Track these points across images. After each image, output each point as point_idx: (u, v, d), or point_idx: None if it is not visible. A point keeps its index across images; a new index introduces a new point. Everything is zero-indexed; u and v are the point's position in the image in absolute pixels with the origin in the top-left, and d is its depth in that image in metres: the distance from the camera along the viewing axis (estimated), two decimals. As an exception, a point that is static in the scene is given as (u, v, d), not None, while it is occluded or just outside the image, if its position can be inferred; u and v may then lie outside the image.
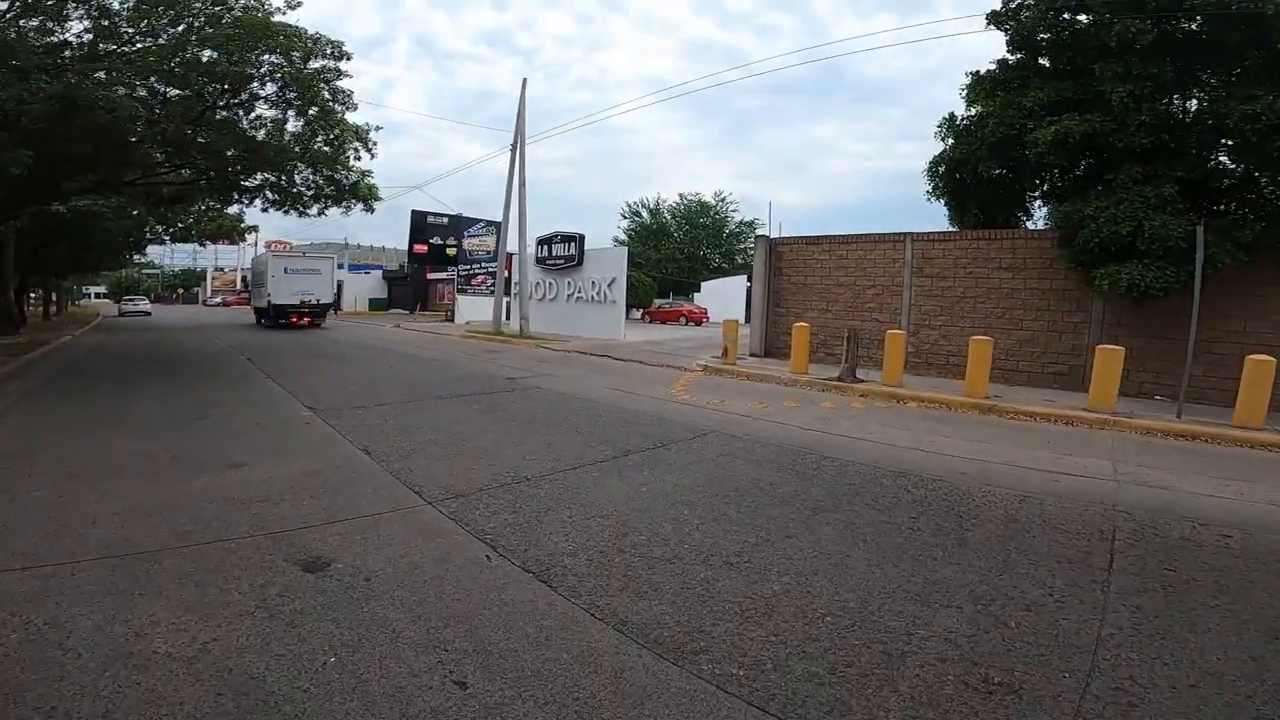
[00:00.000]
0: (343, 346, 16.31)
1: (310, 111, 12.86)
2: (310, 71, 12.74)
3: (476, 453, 5.61)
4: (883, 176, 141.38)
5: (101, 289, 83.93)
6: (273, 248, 65.48)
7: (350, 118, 14.54)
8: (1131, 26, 10.12)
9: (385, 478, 4.87)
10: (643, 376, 11.18)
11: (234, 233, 28.34)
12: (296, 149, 13.86)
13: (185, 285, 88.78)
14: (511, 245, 21.49)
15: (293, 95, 12.42)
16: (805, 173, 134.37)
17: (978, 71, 13.92)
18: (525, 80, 21.82)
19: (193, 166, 13.98)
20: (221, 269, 78.00)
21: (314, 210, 18.49)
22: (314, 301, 23.70)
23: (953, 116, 14.03)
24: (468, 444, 5.93)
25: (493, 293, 21.58)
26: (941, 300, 12.95)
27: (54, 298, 44.16)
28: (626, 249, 20.39)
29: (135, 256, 46.10)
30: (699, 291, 43.29)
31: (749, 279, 45.86)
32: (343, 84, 13.80)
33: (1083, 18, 11.73)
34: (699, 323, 32.73)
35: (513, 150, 20.86)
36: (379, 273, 47.72)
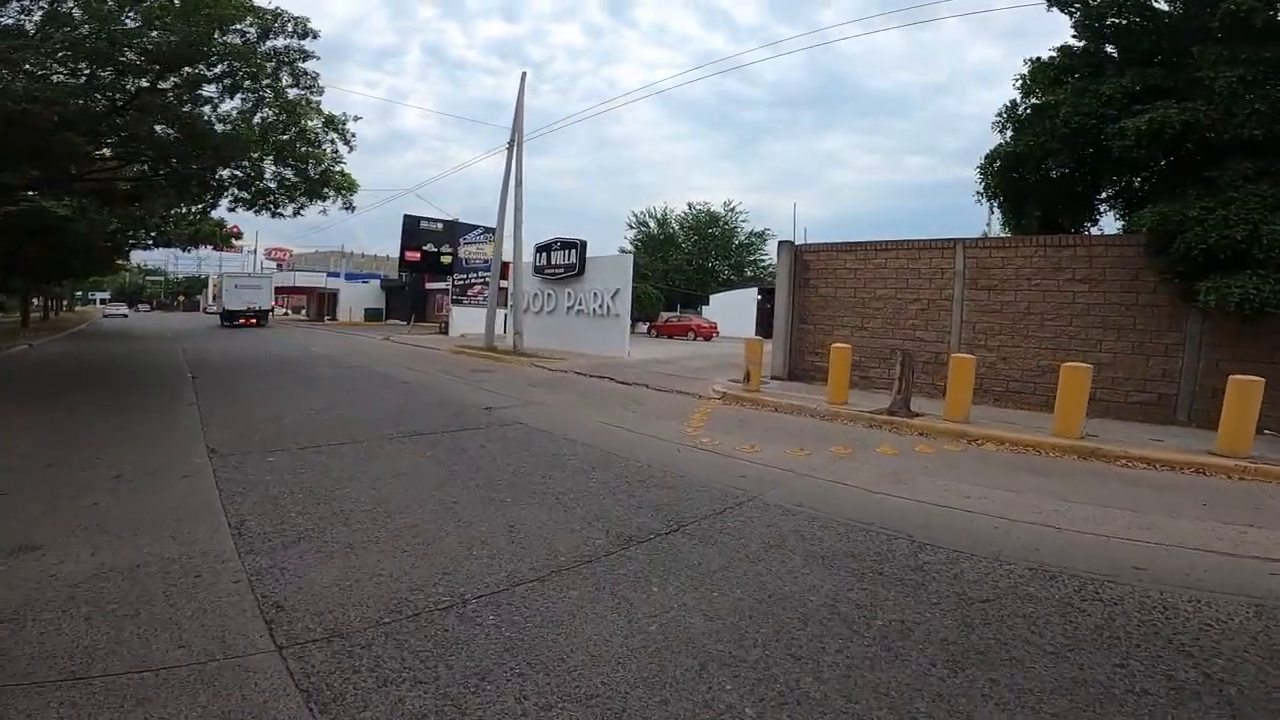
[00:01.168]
0: (312, 364, 14.52)
1: (264, 94, 11.14)
2: (266, 50, 11.07)
3: (400, 539, 3.74)
4: (892, 190, 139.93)
5: (106, 295, 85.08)
6: (273, 255, 64.61)
7: (333, 109, 12.89)
8: (1243, 5, 8.44)
9: (231, 585, 3.03)
10: (650, 407, 9.31)
11: (217, 238, 26.70)
12: (254, 137, 12.17)
13: (188, 293, 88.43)
14: (508, 253, 19.75)
15: (242, 76, 10.71)
16: (813, 185, 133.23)
17: (1038, 58, 12.23)
18: (524, 74, 20.23)
19: (136, 159, 12.29)
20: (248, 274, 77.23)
21: (288, 210, 16.85)
22: (256, 308, 32.78)
23: (1014, 105, 12.30)
24: (394, 520, 4.05)
25: (500, 305, 19.86)
26: (1000, 316, 11.05)
27: (46, 303, 42.98)
28: (631, 257, 18.60)
29: (131, 261, 45.01)
30: (707, 304, 41.51)
31: (759, 292, 44.22)
32: (309, 66, 12.16)
33: (1162, 3, 10.18)
34: (708, 338, 30.88)
35: (510, 147, 19.19)
36: (378, 282, 46.16)
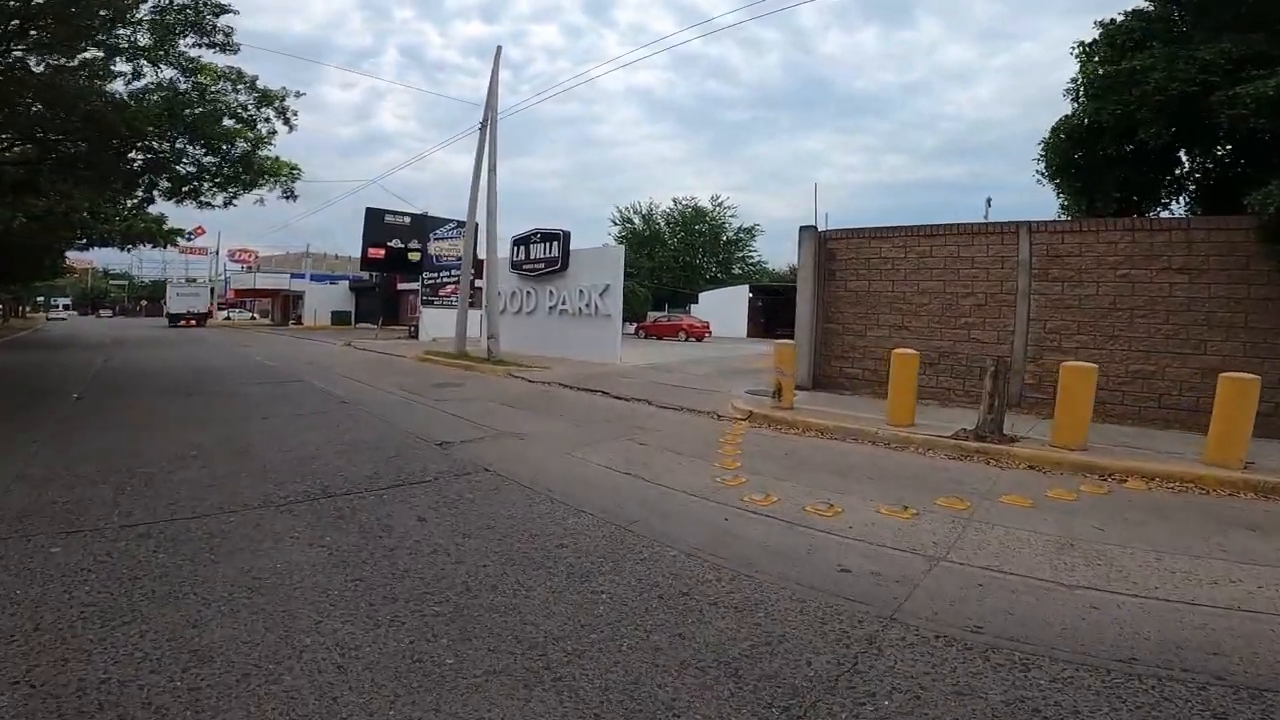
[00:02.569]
0: (243, 379, 12.11)
1: (159, 54, 8.79)
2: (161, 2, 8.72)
3: None
4: (870, 189, 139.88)
5: (68, 300, 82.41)
6: (237, 256, 61.37)
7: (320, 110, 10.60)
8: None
9: None
10: (663, 436, 7.16)
11: (157, 235, 23.90)
12: (156, 110, 9.78)
13: (151, 297, 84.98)
14: (488, 250, 17.43)
15: (126, 31, 8.34)
16: (794, 185, 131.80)
17: (1111, 20, 10.45)
18: (499, 48, 18.03)
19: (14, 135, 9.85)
20: (193, 279, 74.17)
21: (218, 200, 14.41)
22: (196, 311, 40.27)
23: (1090, 68, 10.51)
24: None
25: (473, 305, 17.51)
26: (1078, 313, 9.12)
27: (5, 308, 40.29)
28: (622, 249, 16.41)
29: (67, 261, 41.91)
30: (696, 303, 39.50)
31: (751, 289, 42.37)
32: (224, 21, 9.80)
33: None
34: (701, 338, 28.82)
35: (482, 129, 16.90)
36: (347, 283, 43.29)
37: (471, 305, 17.89)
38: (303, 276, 43.94)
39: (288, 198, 13.91)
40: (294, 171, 13.91)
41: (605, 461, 5.70)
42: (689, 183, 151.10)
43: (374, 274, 37.18)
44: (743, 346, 24.59)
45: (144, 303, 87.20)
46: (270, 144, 12.78)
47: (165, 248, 27.19)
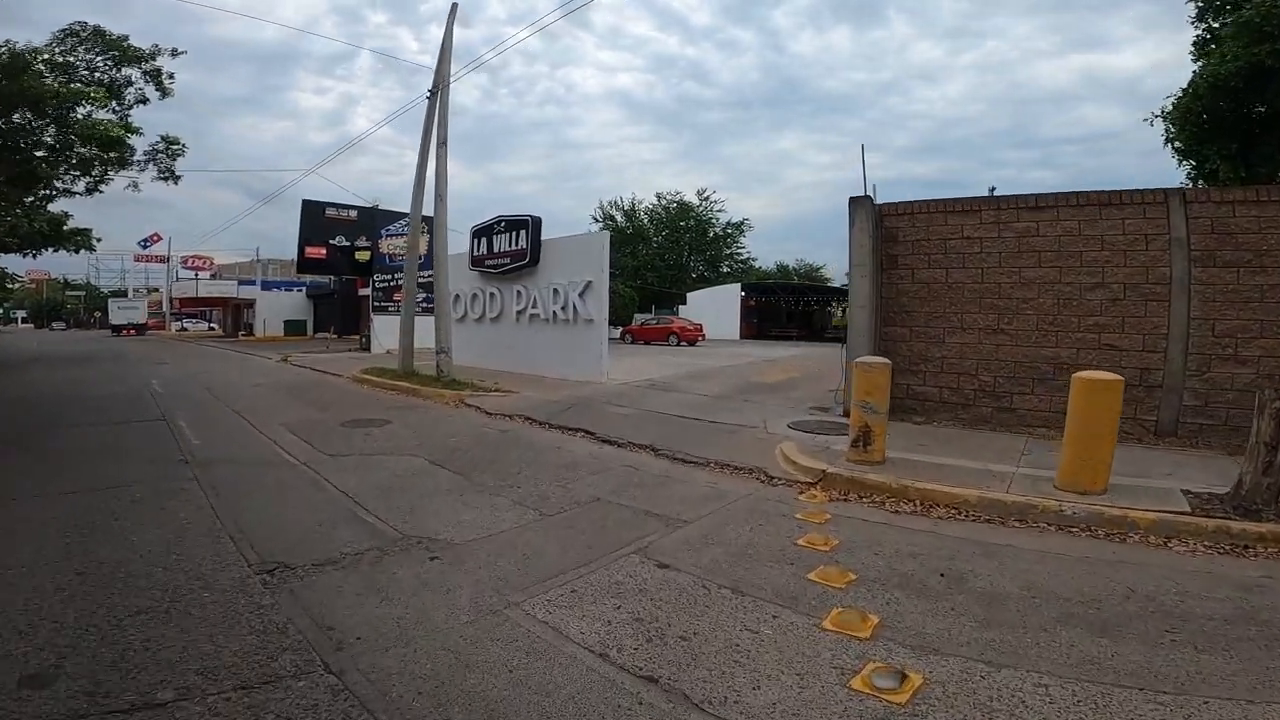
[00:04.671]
0: (97, 412, 8.89)
1: None
2: None
3: None
4: (845, 187, 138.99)
5: (24, 313, 79.84)
6: (189, 263, 57.30)
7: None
8: None
9: None
10: (690, 532, 4.18)
11: (61, 239, 20.27)
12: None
13: (106, 309, 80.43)
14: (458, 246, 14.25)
15: None
16: (771, 184, 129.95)
17: None
18: (455, 5, 14.95)
19: None
20: (155, 289, 69.84)
21: (80, 186, 11.16)
22: (135, 322, 44.51)
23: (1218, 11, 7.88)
24: None
25: (427, 311, 14.25)
26: (1261, 309, 6.40)
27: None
28: (607, 235, 13.40)
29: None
30: (684, 303, 36.64)
31: (743, 288, 39.56)
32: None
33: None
34: (694, 342, 25.91)
35: (432, 95, 13.75)
36: (303, 290, 39.52)
37: (430, 312, 14.79)
38: (252, 283, 40.07)
39: (166, 178, 10.74)
40: (173, 147, 10.77)
41: (596, 633, 2.70)
42: (667, 184, 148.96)
43: (332, 279, 33.61)
44: (743, 352, 21.74)
45: (97, 314, 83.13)
46: (102, 103, 9.60)
47: (76, 252, 23.50)
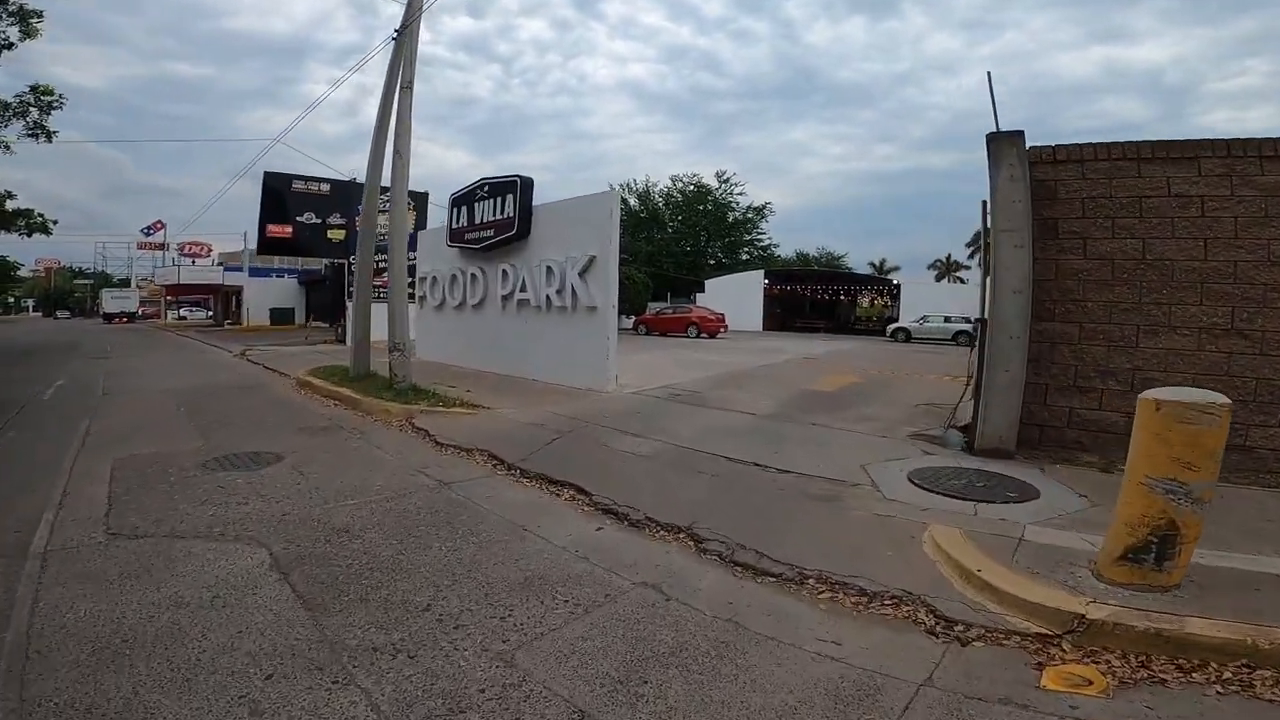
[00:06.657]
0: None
1: None
2: None
3: None
4: (859, 177, 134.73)
5: (32, 301, 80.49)
6: (186, 250, 55.55)
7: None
8: None
9: None
10: None
11: (16, 224, 17.84)
12: None
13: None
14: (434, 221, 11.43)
15: None
16: (784, 175, 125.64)
17: None
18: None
19: None
20: (146, 280, 68.71)
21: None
22: (127, 310, 49.94)
23: None
24: None
25: (410, 297, 11.27)
26: None
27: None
28: (617, 195, 10.58)
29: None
30: (702, 291, 33.72)
31: (766, 275, 36.44)
32: None
33: None
34: (715, 334, 23.02)
35: (398, 35, 10.92)
36: (295, 277, 36.98)
37: (416, 300, 12.05)
38: (238, 270, 37.62)
39: (36, 135, 8.15)
40: (45, 98, 8.26)
41: None
42: (681, 172, 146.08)
43: (325, 264, 31.05)
44: (773, 346, 18.84)
45: (99, 303, 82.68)
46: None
47: (28, 235, 21.10)
